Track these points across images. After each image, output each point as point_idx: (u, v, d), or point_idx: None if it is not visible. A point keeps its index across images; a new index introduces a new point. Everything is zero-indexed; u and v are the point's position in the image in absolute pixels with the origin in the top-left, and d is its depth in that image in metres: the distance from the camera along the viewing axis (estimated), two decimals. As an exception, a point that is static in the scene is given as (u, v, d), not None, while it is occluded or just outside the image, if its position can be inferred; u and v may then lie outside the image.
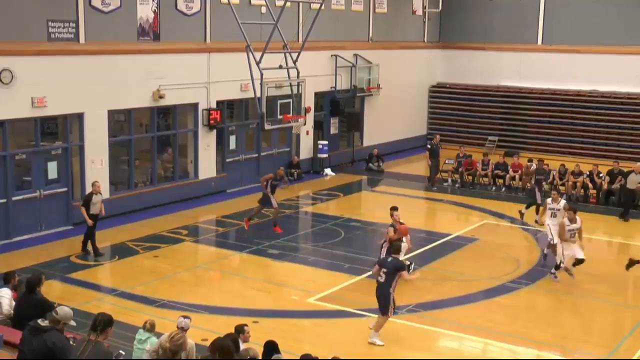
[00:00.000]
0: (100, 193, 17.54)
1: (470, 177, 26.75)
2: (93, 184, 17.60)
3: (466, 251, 18.93)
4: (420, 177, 28.17)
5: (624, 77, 30.90)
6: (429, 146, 27.42)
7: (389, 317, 13.05)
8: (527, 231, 20.99)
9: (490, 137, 32.87)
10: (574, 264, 16.23)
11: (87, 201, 17.37)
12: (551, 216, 17.45)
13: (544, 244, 18.07)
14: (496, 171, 26.57)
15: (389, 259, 13.25)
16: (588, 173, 24.94)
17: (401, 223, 16.16)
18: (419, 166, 30.47)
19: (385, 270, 12.92)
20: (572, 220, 16.12)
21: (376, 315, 13.28)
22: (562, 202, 17.64)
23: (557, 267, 16.37)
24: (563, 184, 25.08)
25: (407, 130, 33.69)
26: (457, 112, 34.27)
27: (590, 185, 24.70)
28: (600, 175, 24.61)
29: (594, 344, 13.54)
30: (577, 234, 16.23)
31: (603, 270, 17.12)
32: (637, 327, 14.30)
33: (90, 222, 17.27)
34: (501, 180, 26.33)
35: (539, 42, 33.04)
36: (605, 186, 24.32)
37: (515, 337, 13.58)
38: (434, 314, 14.54)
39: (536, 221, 21.32)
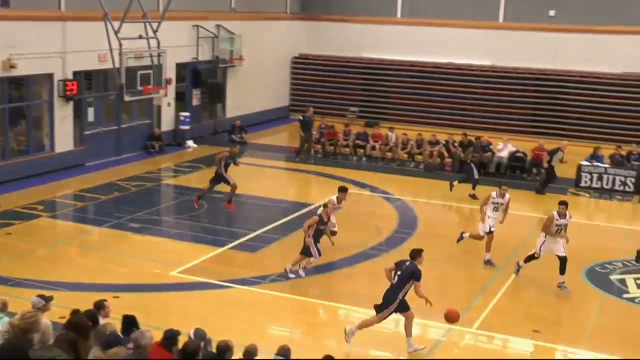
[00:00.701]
0: None
1: (332, 148, 27.17)
2: None
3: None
4: (283, 148, 28.37)
5: (476, 50, 32.14)
6: (301, 118, 27.16)
7: (380, 321, 12.06)
8: (388, 200, 21.59)
9: (351, 108, 33.46)
10: (560, 264, 14.86)
11: None
12: (493, 210, 16.50)
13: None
14: (357, 141, 27.12)
15: (407, 263, 11.94)
16: (444, 142, 25.92)
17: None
18: (281, 137, 30.68)
19: (399, 273, 11.86)
20: (562, 215, 14.88)
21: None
22: (507, 197, 16.55)
23: (529, 259, 15.26)
24: (420, 153, 26.00)
25: (270, 102, 33.74)
26: (319, 83, 34.61)
27: (446, 154, 25.68)
28: (455, 144, 25.61)
29: (449, 303, 14.11)
30: (564, 230, 14.97)
31: (456, 234, 17.77)
32: (488, 284, 15.05)
33: None
34: (362, 150, 26.92)
35: (399, 15, 33.82)
36: (461, 155, 25.31)
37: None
38: (297, 283, 14.76)
39: (471, 195, 21.66)
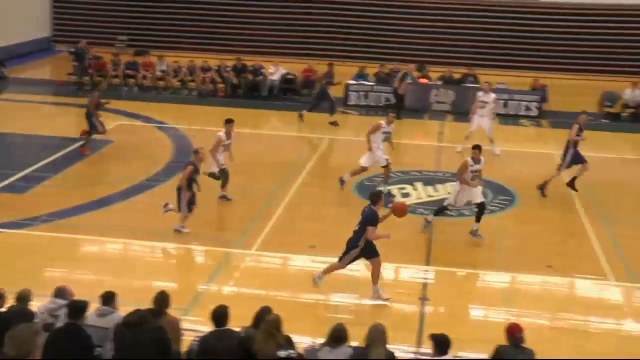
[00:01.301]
0: None
1: (101, 79, 26.14)
2: None
3: (102, 154, 18.72)
4: (46, 81, 26.95)
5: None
6: (73, 49, 26.26)
7: (344, 267, 11.59)
8: (161, 130, 21.28)
9: (119, 37, 32.24)
10: (477, 210, 14.18)
11: None
12: (383, 140, 16.44)
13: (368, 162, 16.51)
14: (127, 71, 26.30)
15: (366, 209, 11.34)
16: (216, 68, 25.81)
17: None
18: (45, 71, 29.08)
19: (360, 220, 11.29)
20: (476, 160, 14.03)
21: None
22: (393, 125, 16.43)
23: (441, 210, 14.45)
24: (193, 80, 25.75)
25: (29, 32, 31.63)
26: (84, 11, 32.94)
27: (218, 79, 25.63)
28: (228, 69, 25.62)
29: (229, 227, 14.38)
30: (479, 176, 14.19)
31: (243, 160, 17.86)
32: (266, 206, 15.36)
33: None
34: (133, 80, 26.18)
35: None
36: (234, 80, 25.44)
37: (158, 232, 13.88)
38: (72, 221, 14.27)
39: (332, 123, 21.64)
